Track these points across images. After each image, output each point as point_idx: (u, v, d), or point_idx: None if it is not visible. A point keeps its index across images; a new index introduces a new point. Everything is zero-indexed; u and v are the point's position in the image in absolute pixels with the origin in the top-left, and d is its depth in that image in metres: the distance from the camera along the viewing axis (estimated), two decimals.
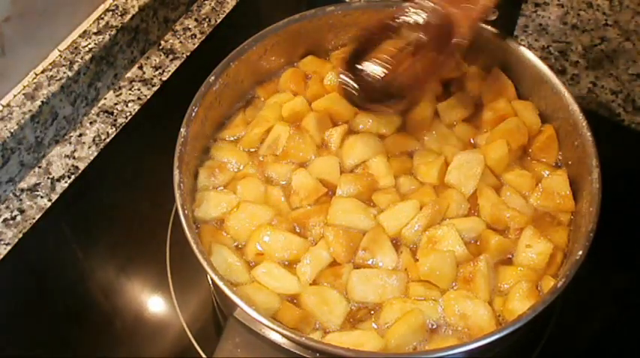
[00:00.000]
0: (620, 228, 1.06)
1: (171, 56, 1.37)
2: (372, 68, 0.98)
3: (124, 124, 1.28)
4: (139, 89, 1.33)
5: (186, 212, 0.91)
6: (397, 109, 1.02)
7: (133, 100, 1.31)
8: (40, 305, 1.11)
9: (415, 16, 0.98)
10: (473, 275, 0.92)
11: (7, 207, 1.18)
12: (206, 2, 1.45)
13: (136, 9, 1.31)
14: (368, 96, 0.99)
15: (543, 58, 1.13)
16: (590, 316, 1.08)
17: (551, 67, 1.04)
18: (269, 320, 0.83)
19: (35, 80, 1.21)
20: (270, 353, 0.87)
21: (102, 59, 1.27)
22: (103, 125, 1.28)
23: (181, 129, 0.98)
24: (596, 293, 1.07)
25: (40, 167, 1.23)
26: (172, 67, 1.35)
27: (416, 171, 1.02)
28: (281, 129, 1.05)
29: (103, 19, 1.29)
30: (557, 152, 1.03)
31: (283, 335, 0.84)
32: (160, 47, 1.39)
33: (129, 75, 1.35)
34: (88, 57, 1.24)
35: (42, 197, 1.20)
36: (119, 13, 1.30)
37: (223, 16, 1.43)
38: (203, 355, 1.04)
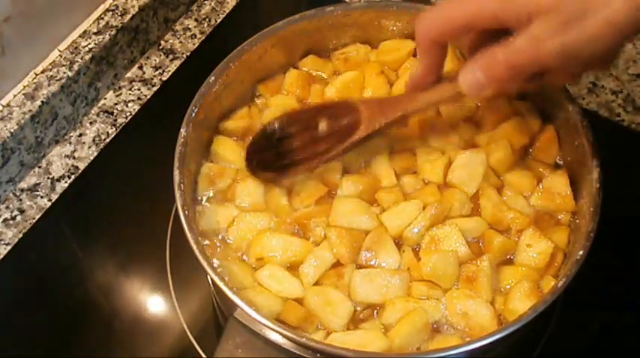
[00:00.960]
0: (620, 228, 1.06)
1: (171, 56, 1.37)
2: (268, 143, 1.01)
3: (124, 124, 1.28)
4: (139, 89, 1.33)
5: (186, 212, 0.91)
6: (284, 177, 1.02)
7: (133, 100, 1.31)
8: (40, 306, 1.11)
9: (338, 109, 1.00)
10: (476, 275, 0.92)
11: (7, 207, 1.18)
12: (206, 2, 1.45)
13: (136, 9, 1.31)
14: (261, 163, 1.01)
15: None
16: (590, 316, 1.08)
17: None
18: (269, 321, 0.83)
19: (35, 80, 1.21)
20: (270, 353, 0.86)
21: (102, 59, 1.27)
22: (103, 125, 1.28)
23: (181, 130, 0.98)
24: (596, 293, 1.07)
25: (40, 167, 1.23)
26: (172, 67, 1.35)
27: (420, 170, 1.02)
28: None
29: (103, 19, 1.29)
30: (557, 152, 1.03)
31: (284, 336, 0.84)
32: (160, 47, 1.39)
33: (129, 75, 1.35)
34: (88, 57, 1.24)
35: (42, 197, 1.20)
36: (119, 13, 1.30)
37: (223, 16, 1.43)
38: (203, 355, 1.04)
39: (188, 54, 1.37)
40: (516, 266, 0.95)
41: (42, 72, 1.22)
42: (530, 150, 1.04)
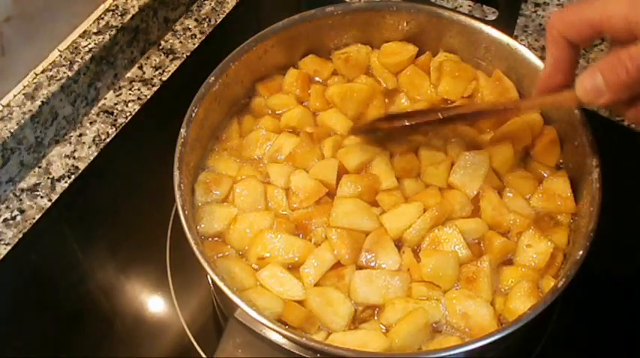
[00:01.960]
0: (620, 228, 1.06)
1: (171, 56, 1.37)
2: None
3: (124, 124, 1.28)
4: (139, 89, 1.33)
5: (186, 212, 0.91)
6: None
7: (133, 100, 1.31)
8: (40, 305, 1.11)
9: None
10: (476, 276, 0.92)
11: (7, 207, 1.18)
12: (206, 2, 1.45)
13: (136, 9, 1.31)
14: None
15: (543, 58, 1.12)
16: (590, 316, 1.08)
17: None
18: (270, 321, 0.83)
19: (35, 80, 1.21)
20: (270, 353, 0.86)
21: (102, 59, 1.27)
22: (103, 125, 1.28)
23: (181, 130, 0.98)
24: (596, 293, 1.07)
25: (40, 167, 1.23)
26: (172, 67, 1.35)
27: (424, 172, 1.02)
28: (285, 139, 1.05)
29: (103, 19, 1.29)
30: (558, 155, 1.03)
31: (284, 336, 0.84)
32: (160, 47, 1.38)
33: (129, 75, 1.35)
34: (88, 57, 1.24)
35: (42, 197, 1.20)
36: (119, 13, 1.30)
37: (223, 16, 1.43)
38: (203, 355, 1.04)
39: (188, 54, 1.37)
40: (516, 266, 0.95)
41: (42, 72, 1.22)
42: (531, 151, 1.04)
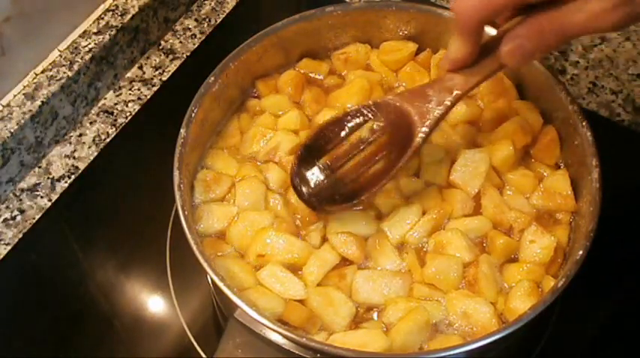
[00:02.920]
0: (620, 228, 1.06)
1: (171, 56, 1.37)
2: (318, 175, 0.95)
3: (124, 124, 1.28)
4: (139, 89, 1.33)
5: (186, 213, 0.91)
6: (354, 207, 0.98)
7: (133, 100, 1.31)
8: (40, 305, 1.11)
9: (375, 112, 0.95)
10: (476, 278, 0.92)
11: (7, 207, 1.18)
12: (206, 2, 1.45)
13: (136, 9, 1.31)
14: (322, 198, 0.95)
15: (543, 58, 1.12)
16: (590, 316, 1.08)
17: (551, 67, 1.04)
18: (270, 321, 0.83)
19: (35, 80, 1.21)
20: (270, 353, 0.87)
21: (102, 59, 1.27)
22: (103, 125, 1.28)
23: (181, 130, 0.98)
24: (597, 293, 1.07)
25: (40, 167, 1.23)
26: (172, 67, 1.35)
27: (424, 171, 1.02)
28: (282, 137, 1.05)
29: (103, 19, 1.29)
30: (558, 154, 1.03)
31: (284, 336, 0.84)
32: (160, 47, 1.38)
33: (129, 75, 1.35)
34: (88, 57, 1.24)
35: (42, 197, 1.20)
36: (119, 13, 1.30)
37: (223, 16, 1.43)
38: (203, 355, 1.04)
39: (188, 54, 1.37)
40: (521, 263, 0.95)
41: (42, 72, 1.22)
42: (531, 150, 1.04)
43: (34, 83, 1.21)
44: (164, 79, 1.34)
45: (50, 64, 1.24)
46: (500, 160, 1.01)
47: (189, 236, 0.89)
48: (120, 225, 1.18)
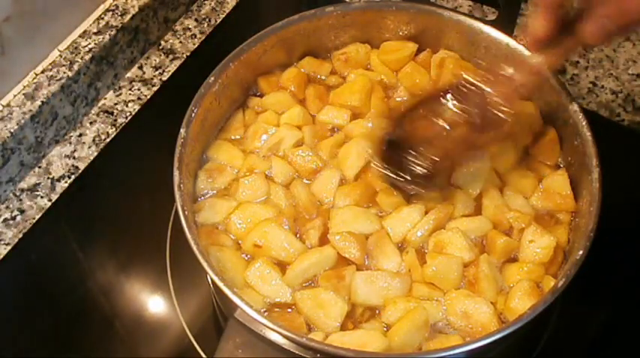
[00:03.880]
0: (620, 228, 1.06)
1: (171, 56, 1.37)
2: (416, 164, 0.97)
3: (124, 124, 1.28)
4: (139, 89, 1.33)
5: (186, 213, 0.91)
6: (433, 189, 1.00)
7: (133, 100, 1.31)
8: (40, 305, 1.11)
9: (455, 101, 0.96)
10: (476, 278, 0.92)
11: (7, 207, 1.18)
12: (206, 2, 1.45)
13: (136, 9, 1.31)
14: (410, 182, 0.97)
15: None
16: (590, 316, 1.08)
17: None
18: (270, 321, 0.83)
19: (35, 80, 1.21)
20: (270, 353, 0.87)
21: (102, 59, 1.27)
22: (103, 125, 1.28)
23: (181, 130, 0.98)
24: (596, 293, 1.07)
25: (40, 167, 1.23)
26: (172, 67, 1.35)
27: None
28: (285, 132, 1.05)
29: (103, 19, 1.29)
30: (558, 154, 1.04)
31: (284, 336, 0.84)
32: (160, 47, 1.38)
33: (129, 75, 1.35)
34: (88, 57, 1.24)
35: (42, 197, 1.20)
36: (119, 13, 1.30)
37: (223, 16, 1.43)
38: (203, 355, 1.04)
39: (188, 54, 1.37)
40: (521, 263, 0.95)
41: (42, 72, 1.22)
42: (531, 150, 1.04)
43: (34, 83, 1.21)
44: (164, 79, 1.34)
45: (50, 64, 1.24)
46: (500, 161, 1.01)
47: (189, 236, 0.89)
48: (120, 225, 1.18)
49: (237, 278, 0.93)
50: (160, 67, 1.36)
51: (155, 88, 1.33)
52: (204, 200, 1.00)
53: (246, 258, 0.96)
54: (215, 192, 1.03)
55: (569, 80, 1.32)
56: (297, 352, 0.86)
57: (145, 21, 1.33)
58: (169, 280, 1.10)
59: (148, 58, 1.37)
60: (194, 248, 0.88)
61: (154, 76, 1.35)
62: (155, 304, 1.11)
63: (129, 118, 1.29)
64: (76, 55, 1.25)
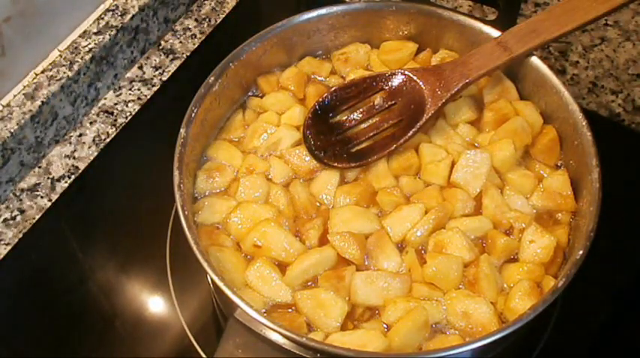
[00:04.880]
0: (620, 228, 1.06)
1: (171, 56, 1.37)
2: (329, 131, 1.02)
3: (124, 124, 1.28)
4: (139, 89, 1.33)
5: (186, 213, 0.91)
6: (354, 168, 1.03)
7: (133, 100, 1.31)
8: (40, 305, 1.11)
9: (392, 81, 1.02)
10: (476, 278, 0.92)
11: (7, 207, 1.18)
12: (206, 2, 1.45)
13: (136, 9, 1.31)
14: (330, 154, 1.02)
15: (543, 58, 1.13)
16: (590, 316, 1.08)
17: (551, 67, 1.04)
18: (270, 321, 0.83)
19: (35, 80, 1.21)
20: (270, 353, 0.87)
21: (102, 59, 1.27)
22: (103, 125, 1.28)
23: (181, 130, 0.98)
24: (596, 293, 1.07)
25: (40, 167, 1.23)
26: (172, 67, 1.35)
27: (424, 171, 1.02)
28: (284, 132, 1.05)
29: (103, 19, 1.29)
30: (558, 154, 1.04)
31: (284, 336, 0.84)
32: (160, 47, 1.39)
33: (129, 75, 1.35)
34: (88, 57, 1.24)
35: (42, 197, 1.20)
36: (119, 13, 1.30)
37: (223, 16, 1.43)
38: (203, 355, 1.04)
39: (188, 54, 1.37)
40: (521, 263, 0.95)
41: (42, 72, 1.22)
42: (531, 150, 1.04)
43: (34, 83, 1.21)
44: (164, 79, 1.34)
45: (50, 64, 1.24)
46: (501, 160, 1.01)
47: (189, 236, 0.89)
48: (120, 225, 1.18)
49: (237, 279, 0.93)
50: (160, 67, 1.36)
51: (155, 88, 1.33)
52: (204, 200, 1.00)
53: (246, 258, 0.96)
54: (215, 192, 1.03)
55: (569, 80, 1.32)
56: (297, 352, 0.86)
57: (145, 21, 1.33)
58: (169, 280, 1.10)
59: (148, 58, 1.37)
60: (194, 248, 0.88)
61: (154, 76, 1.35)
62: (155, 304, 1.11)
63: (129, 118, 1.29)
64: (76, 55, 1.25)
